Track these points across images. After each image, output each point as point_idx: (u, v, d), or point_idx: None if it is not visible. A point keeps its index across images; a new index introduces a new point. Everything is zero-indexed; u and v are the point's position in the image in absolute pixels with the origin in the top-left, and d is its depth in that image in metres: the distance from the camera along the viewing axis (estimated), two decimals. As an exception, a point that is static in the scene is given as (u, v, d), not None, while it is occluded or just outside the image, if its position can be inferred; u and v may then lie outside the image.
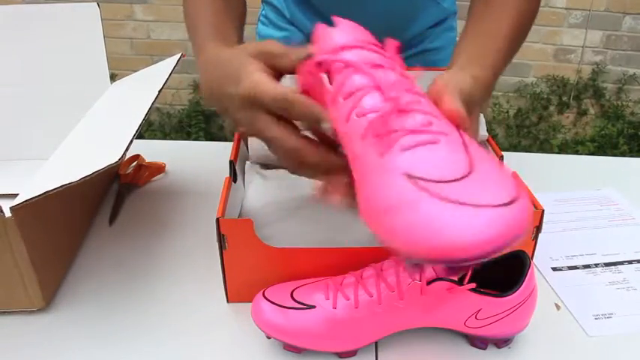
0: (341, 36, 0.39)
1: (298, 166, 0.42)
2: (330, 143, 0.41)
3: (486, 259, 0.29)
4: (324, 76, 0.39)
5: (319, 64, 0.39)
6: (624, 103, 2.41)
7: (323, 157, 0.41)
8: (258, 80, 0.40)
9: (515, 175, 0.35)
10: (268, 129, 0.41)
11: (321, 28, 0.40)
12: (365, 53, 0.38)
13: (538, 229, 0.56)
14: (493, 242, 0.28)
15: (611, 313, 0.55)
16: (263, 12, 0.91)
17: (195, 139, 2.38)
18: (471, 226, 0.29)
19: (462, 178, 0.32)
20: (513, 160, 0.70)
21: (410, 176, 0.32)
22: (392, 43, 0.40)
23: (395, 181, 0.32)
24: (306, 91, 0.40)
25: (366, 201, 0.34)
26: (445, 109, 0.38)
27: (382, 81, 0.37)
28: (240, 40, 0.57)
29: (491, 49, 0.50)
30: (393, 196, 0.32)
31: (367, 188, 0.34)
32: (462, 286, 0.47)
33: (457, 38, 0.93)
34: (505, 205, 0.30)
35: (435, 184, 0.31)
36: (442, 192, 0.30)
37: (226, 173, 0.60)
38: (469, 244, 0.28)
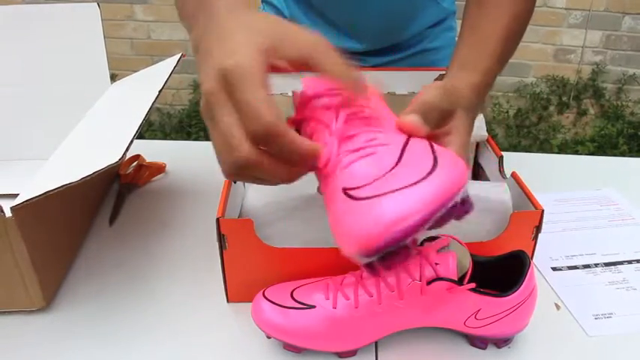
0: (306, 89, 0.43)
1: (236, 173, 0.37)
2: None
3: (409, 238, 0.34)
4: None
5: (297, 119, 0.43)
6: (624, 103, 2.41)
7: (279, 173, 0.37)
8: (256, 93, 0.34)
9: (441, 150, 0.39)
10: (222, 122, 0.35)
11: (295, 94, 0.44)
12: (322, 100, 0.41)
13: (538, 229, 0.56)
14: (399, 222, 0.33)
15: (611, 313, 0.55)
16: (263, 11, 0.91)
17: (196, 139, 2.38)
18: (378, 214, 0.33)
19: (385, 174, 0.36)
20: (513, 160, 0.70)
21: (344, 190, 0.36)
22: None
23: (337, 198, 0.37)
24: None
25: (331, 226, 0.38)
26: (396, 122, 0.41)
27: (331, 120, 0.40)
28: None
29: (486, 52, 0.51)
30: (336, 211, 0.37)
31: (330, 215, 0.39)
32: (461, 286, 0.47)
33: (456, 38, 0.94)
34: (418, 181, 0.34)
35: (360, 189, 0.35)
36: (362, 193, 0.35)
37: (226, 173, 0.60)
38: (373, 233, 0.33)
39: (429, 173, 0.35)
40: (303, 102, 0.42)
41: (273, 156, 0.36)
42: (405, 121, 0.41)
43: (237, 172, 0.36)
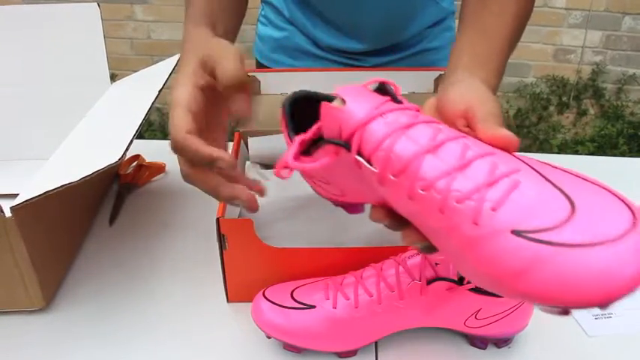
0: (356, 109, 0.34)
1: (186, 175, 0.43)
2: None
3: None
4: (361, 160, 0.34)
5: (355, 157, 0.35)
6: (624, 103, 2.41)
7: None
8: (174, 113, 0.41)
9: (609, 190, 0.32)
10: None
11: (326, 108, 0.35)
12: (390, 117, 0.34)
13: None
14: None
15: (611, 313, 0.55)
16: (262, 12, 0.91)
17: (195, 139, 2.37)
18: (619, 261, 0.27)
19: (569, 218, 0.29)
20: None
21: (517, 233, 0.29)
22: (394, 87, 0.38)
23: (507, 244, 0.29)
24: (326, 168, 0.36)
25: (481, 275, 0.31)
26: (491, 138, 0.34)
27: (425, 140, 0.33)
28: (232, 29, 0.56)
29: (494, 51, 0.48)
30: (515, 258, 0.29)
31: (475, 260, 0.31)
32: (461, 286, 0.47)
33: (455, 38, 0.94)
34: (629, 230, 0.28)
35: (547, 233, 0.29)
36: (560, 238, 0.28)
37: (226, 173, 0.60)
38: (625, 279, 0.27)
39: (635, 221, 0.29)
40: (359, 126, 0.34)
41: (201, 168, 0.41)
42: (504, 137, 0.34)
43: (189, 183, 0.43)
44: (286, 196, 0.61)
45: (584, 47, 2.35)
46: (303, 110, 0.41)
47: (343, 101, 0.34)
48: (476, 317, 0.49)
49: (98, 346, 0.52)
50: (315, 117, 0.37)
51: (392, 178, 0.33)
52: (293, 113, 0.41)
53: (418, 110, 0.35)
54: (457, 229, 0.31)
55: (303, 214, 0.59)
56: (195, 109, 0.41)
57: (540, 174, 0.32)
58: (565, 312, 0.29)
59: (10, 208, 0.49)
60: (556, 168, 0.33)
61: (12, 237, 0.51)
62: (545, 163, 0.33)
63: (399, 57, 0.86)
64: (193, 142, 0.39)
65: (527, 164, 0.32)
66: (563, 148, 2.37)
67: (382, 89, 0.37)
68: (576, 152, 2.32)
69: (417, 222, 0.34)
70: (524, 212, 0.29)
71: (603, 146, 2.33)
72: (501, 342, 0.51)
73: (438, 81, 0.85)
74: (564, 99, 2.45)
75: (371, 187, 0.35)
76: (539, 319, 0.53)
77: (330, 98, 0.36)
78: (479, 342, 0.51)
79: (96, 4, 0.77)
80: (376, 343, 0.52)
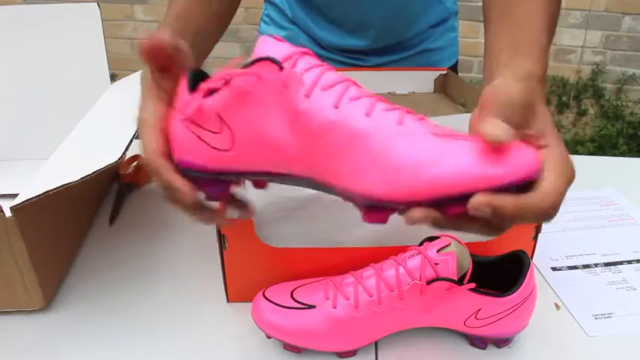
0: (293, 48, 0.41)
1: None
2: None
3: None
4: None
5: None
6: (624, 103, 2.41)
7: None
8: (143, 133, 0.41)
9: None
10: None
11: (265, 39, 0.41)
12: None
13: (538, 229, 0.56)
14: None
15: (611, 313, 0.55)
16: (265, 11, 0.91)
17: (195, 139, 2.37)
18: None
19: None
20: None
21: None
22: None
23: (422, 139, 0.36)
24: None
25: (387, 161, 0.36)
26: (476, 134, 0.35)
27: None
28: (201, 42, 0.56)
29: (532, 41, 0.45)
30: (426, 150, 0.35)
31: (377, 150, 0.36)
32: (461, 286, 0.47)
33: (458, 38, 0.94)
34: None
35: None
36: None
37: (226, 173, 0.60)
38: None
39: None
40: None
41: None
42: (489, 131, 0.34)
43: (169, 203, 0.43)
44: (286, 196, 0.61)
45: (584, 47, 2.35)
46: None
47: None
48: (476, 317, 0.49)
49: (98, 346, 0.52)
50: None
51: (320, 91, 0.37)
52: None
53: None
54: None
55: (303, 214, 0.59)
56: (162, 125, 0.41)
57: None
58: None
59: (10, 208, 0.49)
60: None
61: (12, 237, 0.51)
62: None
63: (401, 57, 0.86)
64: (161, 166, 0.40)
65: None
66: (563, 148, 2.36)
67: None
68: (576, 152, 2.32)
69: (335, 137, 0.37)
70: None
71: (603, 146, 2.33)
72: (501, 342, 0.51)
73: (438, 81, 0.85)
74: (564, 99, 2.45)
75: (283, 118, 0.37)
76: (539, 319, 0.53)
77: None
78: (479, 342, 0.51)
79: (96, 4, 0.77)
80: (376, 343, 0.52)
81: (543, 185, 0.34)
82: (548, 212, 0.34)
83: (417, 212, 0.34)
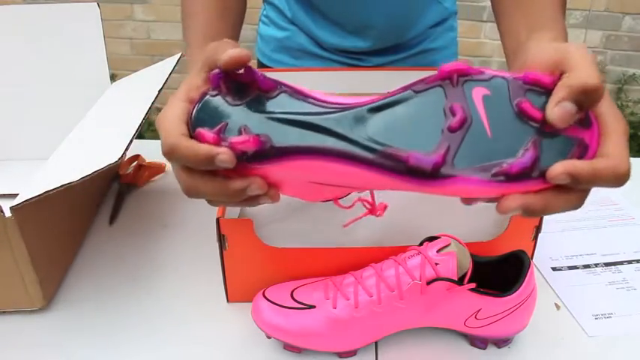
0: None
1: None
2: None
3: None
4: None
5: None
6: (624, 103, 2.41)
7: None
8: (165, 121, 0.37)
9: None
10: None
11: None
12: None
13: (538, 229, 0.56)
14: None
15: (611, 313, 0.55)
16: (264, 12, 0.91)
17: (195, 139, 2.37)
18: None
19: None
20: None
21: None
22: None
23: None
24: None
25: None
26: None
27: None
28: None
29: (550, 19, 0.46)
30: None
31: None
32: (461, 286, 0.47)
33: (457, 39, 0.94)
34: None
35: None
36: None
37: (226, 173, 0.60)
38: None
39: None
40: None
41: (202, 173, 0.37)
42: (558, 112, 0.33)
43: (191, 195, 0.39)
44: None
45: (584, 47, 2.34)
46: None
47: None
48: (476, 317, 0.49)
49: (98, 346, 0.52)
50: None
51: None
52: None
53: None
54: None
55: (303, 214, 0.59)
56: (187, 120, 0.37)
57: None
58: None
59: (10, 208, 0.49)
60: None
61: (12, 237, 0.51)
62: None
63: (401, 57, 0.86)
64: (188, 142, 0.35)
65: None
66: (563, 148, 2.36)
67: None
68: (576, 152, 2.31)
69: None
70: None
71: (603, 146, 2.33)
72: (501, 342, 0.51)
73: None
74: (564, 99, 2.45)
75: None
76: (539, 319, 0.53)
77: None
78: (479, 342, 0.51)
79: (96, 4, 0.77)
80: (376, 343, 0.52)
81: (612, 149, 0.34)
82: (623, 173, 0.34)
83: (512, 202, 0.33)
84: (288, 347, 0.50)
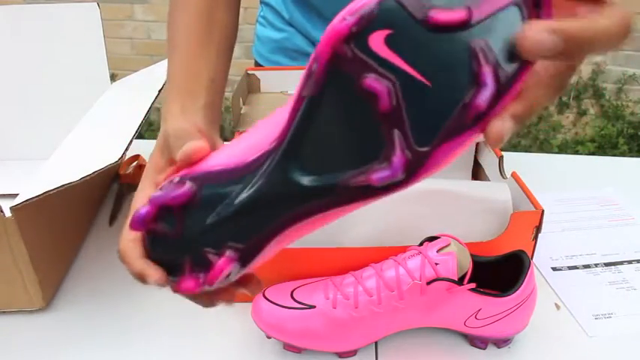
0: None
1: None
2: None
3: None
4: None
5: None
6: (624, 103, 2.41)
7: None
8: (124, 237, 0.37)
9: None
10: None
11: None
12: None
13: (538, 229, 0.55)
14: None
15: (611, 313, 0.55)
16: (261, 13, 0.91)
17: (195, 139, 2.37)
18: None
19: None
20: (513, 160, 0.70)
21: None
22: None
23: None
24: None
25: None
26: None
27: None
28: (219, 79, 0.49)
29: None
30: None
31: None
32: (461, 286, 0.47)
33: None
34: None
35: None
36: None
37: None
38: None
39: None
40: None
41: None
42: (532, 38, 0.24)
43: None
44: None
45: (584, 47, 2.34)
46: None
47: None
48: (476, 317, 0.49)
49: (98, 346, 0.52)
50: None
51: None
52: None
53: None
54: None
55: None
56: None
57: None
58: None
59: (10, 208, 0.49)
60: None
61: (12, 237, 0.51)
62: None
63: None
64: (129, 255, 0.36)
65: None
66: (563, 148, 2.36)
67: None
68: (576, 152, 2.32)
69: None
70: None
71: (603, 146, 2.33)
72: (501, 342, 0.51)
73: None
74: (564, 99, 2.45)
75: None
76: (539, 319, 0.53)
77: None
78: (479, 342, 0.51)
79: (96, 4, 0.77)
80: (376, 343, 0.52)
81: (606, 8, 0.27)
82: (622, 29, 0.28)
83: (498, 125, 0.26)
84: (288, 347, 0.50)
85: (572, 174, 0.82)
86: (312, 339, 0.49)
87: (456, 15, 0.25)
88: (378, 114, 0.26)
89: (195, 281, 0.32)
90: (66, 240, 0.63)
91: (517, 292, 0.48)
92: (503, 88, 0.25)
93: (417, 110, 0.26)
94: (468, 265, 0.48)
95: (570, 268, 0.62)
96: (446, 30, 0.25)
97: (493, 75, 0.24)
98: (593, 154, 2.29)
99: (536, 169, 0.80)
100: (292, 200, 0.29)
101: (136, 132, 0.51)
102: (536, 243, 0.57)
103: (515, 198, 0.57)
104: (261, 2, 0.90)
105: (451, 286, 0.47)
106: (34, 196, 0.47)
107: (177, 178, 0.32)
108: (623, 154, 2.24)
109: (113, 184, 0.78)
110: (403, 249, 0.50)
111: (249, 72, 0.79)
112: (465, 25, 0.25)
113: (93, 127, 0.64)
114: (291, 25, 0.86)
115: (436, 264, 0.47)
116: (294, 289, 0.51)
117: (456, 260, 0.47)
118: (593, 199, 0.75)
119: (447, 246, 0.48)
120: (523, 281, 0.48)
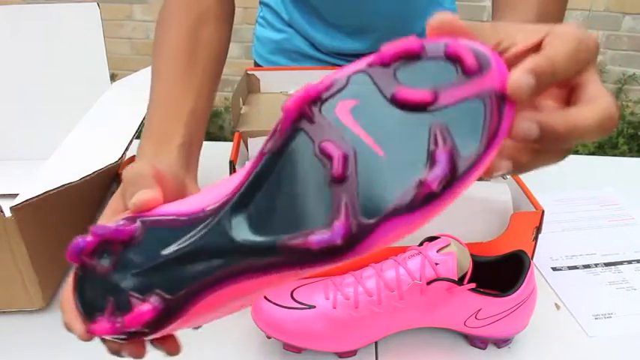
0: None
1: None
2: None
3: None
4: None
5: None
6: (624, 103, 2.41)
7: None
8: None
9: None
10: None
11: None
12: None
13: (538, 229, 0.56)
14: None
15: (611, 313, 0.55)
16: (261, 13, 0.91)
17: (195, 139, 2.37)
18: None
19: None
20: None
21: None
22: None
23: None
24: None
25: None
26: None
27: None
28: (202, 106, 0.49)
29: (525, 20, 0.46)
30: None
31: None
32: (461, 286, 0.47)
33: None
34: None
35: None
36: None
37: (226, 173, 0.60)
38: None
39: None
40: None
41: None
42: (515, 81, 0.24)
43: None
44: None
45: (584, 47, 2.34)
46: None
47: None
48: (476, 317, 0.49)
49: (98, 346, 0.52)
50: None
51: None
52: None
53: None
54: None
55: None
56: None
57: None
58: None
59: (10, 208, 0.49)
60: None
61: (12, 237, 0.51)
62: None
63: None
64: (66, 305, 0.35)
65: None
66: (563, 148, 2.36)
67: None
68: (576, 152, 2.31)
69: None
70: None
71: (603, 146, 2.33)
72: (501, 342, 0.51)
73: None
74: (564, 99, 2.45)
75: None
76: (539, 319, 0.53)
77: None
78: (479, 342, 0.51)
79: (96, 4, 0.77)
80: (376, 343, 0.52)
81: (590, 91, 0.27)
82: (608, 121, 0.27)
83: (499, 163, 0.28)
84: (288, 347, 0.50)
85: (572, 174, 0.82)
86: (312, 339, 0.49)
87: (422, 95, 0.26)
88: (330, 179, 0.26)
89: (112, 325, 0.31)
90: (66, 240, 0.62)
91: (517, 292, 0.48)
92: (458, 174, 0.25)
93: (369, 181, 0.26)
94: (468, 265, 0.48)
95: (570, 268, 0.62)
96: (409, 108, 0.26)
97: (448, 158, 0.25)
98: (593, 154, 2.29)
99: (536, 169, 0.80)
100: (230, 255, 0.28)
101: (136, 132, 0.51)
102: (536, 243, 0.57)
103: (515, 198, 0.57)
104: (260, 3, 0.90)
105: (451, 286, 0.47)
106: (34, 196, 0.47)
107: (130, 215, 0.32)
108: (623, 154, 2.24)
109: (113, 184, 0.78)
110: (403, 249, 0.50)
111: (248, 72, 0.79)
112: (428, 106, 0.26)
113: (93, 127, 0.64)
114: (290, 26, 0.86)
115: (436, 264, 0.47)
116: (294, 289, 0.51)
117: (456, 260, 0.47)
118: (593, 199, 0.75)
119: (447, 246, 0.48)
120: (523, 281, 0.48)
